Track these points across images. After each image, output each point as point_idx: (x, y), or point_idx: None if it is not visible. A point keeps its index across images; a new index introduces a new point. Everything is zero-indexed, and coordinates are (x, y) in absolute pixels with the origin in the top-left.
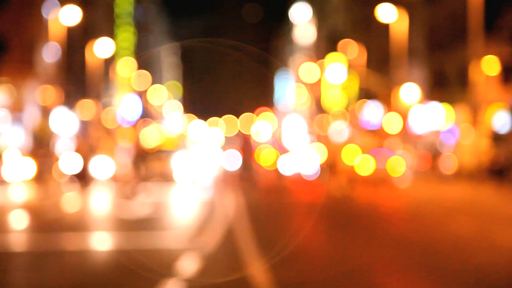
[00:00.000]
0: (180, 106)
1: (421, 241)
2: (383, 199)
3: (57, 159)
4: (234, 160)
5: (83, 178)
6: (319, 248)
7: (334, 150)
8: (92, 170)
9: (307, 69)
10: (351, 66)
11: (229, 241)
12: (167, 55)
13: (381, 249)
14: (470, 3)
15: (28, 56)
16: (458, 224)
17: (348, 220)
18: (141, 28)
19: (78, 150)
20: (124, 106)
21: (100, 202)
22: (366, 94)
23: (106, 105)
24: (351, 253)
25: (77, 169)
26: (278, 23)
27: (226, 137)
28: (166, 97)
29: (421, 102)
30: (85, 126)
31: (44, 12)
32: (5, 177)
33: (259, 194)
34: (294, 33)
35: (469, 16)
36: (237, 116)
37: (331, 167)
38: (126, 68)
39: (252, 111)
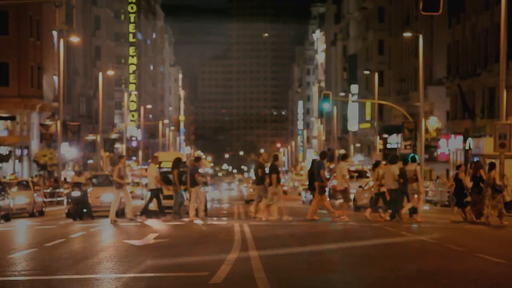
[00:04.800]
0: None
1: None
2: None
3: (60, 187)
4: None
5: (85, 205)
6: None
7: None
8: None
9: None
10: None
11: (241, 269)
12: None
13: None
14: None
15: (30, 84)
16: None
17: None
18: (147, 55)
19: (80, 177)
20: (129, 133)
21: (108, 228)
22: (388, 125)
23: (110, 132)
24: None
25: (80, 196)
26: (300, 46)
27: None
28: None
29: (444, 133)
30: (89, 153)
31: (45, 41)
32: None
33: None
34: (313, 59)
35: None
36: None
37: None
38: (131, 96)
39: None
